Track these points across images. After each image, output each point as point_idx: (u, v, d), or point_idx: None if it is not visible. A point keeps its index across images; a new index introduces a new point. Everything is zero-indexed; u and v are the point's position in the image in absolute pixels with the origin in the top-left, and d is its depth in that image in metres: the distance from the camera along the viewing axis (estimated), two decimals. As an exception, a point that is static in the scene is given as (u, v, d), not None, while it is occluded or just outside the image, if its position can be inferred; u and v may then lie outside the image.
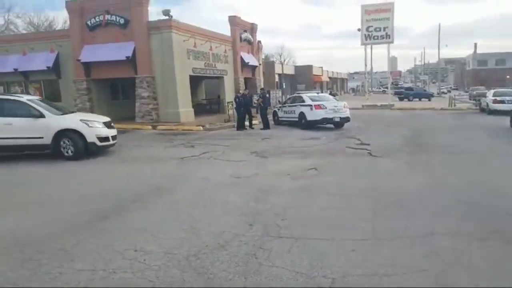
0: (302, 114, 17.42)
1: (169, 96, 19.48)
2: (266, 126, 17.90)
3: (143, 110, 19.59)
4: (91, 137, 10.56)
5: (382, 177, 7.87)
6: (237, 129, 17.63)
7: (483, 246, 4.39)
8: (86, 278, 3.77)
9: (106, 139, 11.01)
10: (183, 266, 4.00)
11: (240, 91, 20.55)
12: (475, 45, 79.33)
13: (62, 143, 10.40)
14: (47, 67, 20.44)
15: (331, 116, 16.94)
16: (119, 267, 3.97)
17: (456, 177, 7.81)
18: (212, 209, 5.95)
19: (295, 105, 18.29)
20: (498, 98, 22.66)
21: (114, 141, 11.52)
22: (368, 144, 12.25)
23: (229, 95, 24.49)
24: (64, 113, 11.40)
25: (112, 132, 11.44)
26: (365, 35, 37.86)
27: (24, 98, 10.95)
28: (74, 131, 10.42)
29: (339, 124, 17.40)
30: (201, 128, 17.74)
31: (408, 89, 50.97)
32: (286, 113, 19.11)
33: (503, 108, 20.94)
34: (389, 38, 37.22)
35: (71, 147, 10.40)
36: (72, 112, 12.22)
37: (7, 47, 21.31)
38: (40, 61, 20.61)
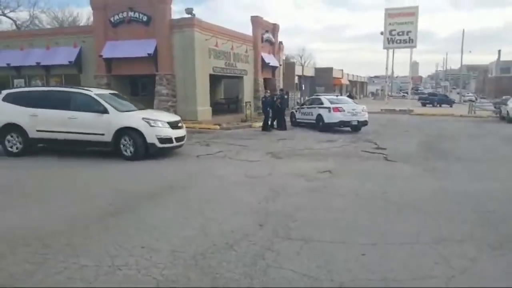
0: (319, 116, 17.25)
1: (188, 94, 19.59)
2: (283, 127, 17.80)
3: (161, 107, 19.67)
4: (151, 137, 9.73)
5: (396, 182, 7.72)
6: (263, 130, 17.33)
7: (494, 254, 4.30)
8: (89, 274, 3.75)
9: (168, 140, 10.04)
10: (189, 265, 3.95)
11: (268, 91, 20.44)
12: (499, 52, 76.72)
13: (122, 141, 9.79)
14: (69, 61, 20.78)
15: (349, 119, 16.74)
16: (124, 264, 3.94)
17: (471, 184, 7.67)
18: (223, 208, 5.91)
19: (313, 107, 18.14)
20: None
21: (180, 143, 10.55)
22: (385, 149, 12.07)
23: (248, 95, 24.48)
24: (130, 109, 10.57)
25: (178, 133, 10.45)
26: (387, 38, 37.40)
27: (93, 92, 10.39)
28: (135, 130, 9.70)
29: (356, 127, 17.18)
30: (217, 127, 17.76)
31: (432, 94, 51.00)
32: (304, 114, 18.97)
33: None
34: (412, 42, 36.67)
35: (131, 147, 9.75)
36: (142, 108, 11.35)
37: (31, 41, 21.79)
38: (63, 55, 20.98)
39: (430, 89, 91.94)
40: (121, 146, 9.82)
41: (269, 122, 17.71)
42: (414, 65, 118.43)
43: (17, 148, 10.33)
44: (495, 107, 29.50)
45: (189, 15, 19.77)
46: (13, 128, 10.25)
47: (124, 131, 9.76)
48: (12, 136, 10.30)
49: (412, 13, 36.56)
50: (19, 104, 10.36)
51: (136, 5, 19.43)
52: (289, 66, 41.49)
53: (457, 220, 5.43)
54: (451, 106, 42.31)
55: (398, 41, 37.14)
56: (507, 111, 23.07)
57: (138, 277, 3.69)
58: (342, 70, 60.69)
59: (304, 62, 71.09)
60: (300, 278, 3.70)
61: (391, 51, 40.58)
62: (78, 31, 22.71)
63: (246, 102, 22.32)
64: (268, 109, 17.67)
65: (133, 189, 7.01)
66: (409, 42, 36.71)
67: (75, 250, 4.27)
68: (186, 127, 17.44)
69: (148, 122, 9.84)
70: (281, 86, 28.92)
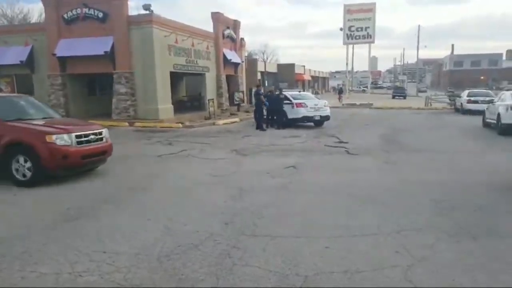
0: (283, 112, 17.38)
1: (148, 93, 19.15)
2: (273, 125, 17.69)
3: (120, 107, 19.19)
4: None
5: (358, 175, 7.89)
6: (257, 128, 16.60)
7: (451, 241, 4.49)
8: (49, 282, 3.58)
9: None
10: (153, 267, 3.85)
11: (261, 86, 19.95)
12: (452, 46, 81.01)
13: None
14: (21, 61, 19.80)
15: (311, 115, 17.01)
16: (85, 270, 3.79)
17: (429, 175, 7.92)
18: (188, 208, 5.81)
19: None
20: (472, 99, 23.35)
21: None
22: (346, 143, 12.32)
23: (210, 93, 24.30)
24: None
25: None
26: (347, 34, 38.26)
27: None
28: None
29: (319, 122, 17.47)
30: (180, 125, 17.50)
31: (400, 88, 53.28)
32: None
33: (476, 108, 21.39)
34: (370, 38, 37.71)
35: None
36: None
37: (-22, 40, 20.58)
38: (13, 55, 19.96)
39: (389, 83, 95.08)
40: None
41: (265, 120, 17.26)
42: (373, 60, 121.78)
43: None
44: (449, 100, 30.94)
45: (147, 11, 19.31)
46: None
47: None
48: None
49: (370, 9, 37.56)
50: None
51: (90, 1, 18.74)
52: (251, 62, 41.50)
53: (416, 210, 5.60)
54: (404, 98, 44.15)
55: (357, 37, 38.11)
56: (461, 103, 24.34)
57: (100, 283, 3.56)
58: (304, 66, 61.39)
59: (267, 59, 71.34)
60: (266, 274, 3.70)
61: (350, 46, 41.46)
62: (29, 29, 21.62)
63: (209, 100, 22.14)
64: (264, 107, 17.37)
65: (91, 192, 6.75)
66: (368, 37, 37.75)
67: (32, 258, 4.05)
68: (147, 126, 17.19)
69: None
70: (244, 83, 28.90)
